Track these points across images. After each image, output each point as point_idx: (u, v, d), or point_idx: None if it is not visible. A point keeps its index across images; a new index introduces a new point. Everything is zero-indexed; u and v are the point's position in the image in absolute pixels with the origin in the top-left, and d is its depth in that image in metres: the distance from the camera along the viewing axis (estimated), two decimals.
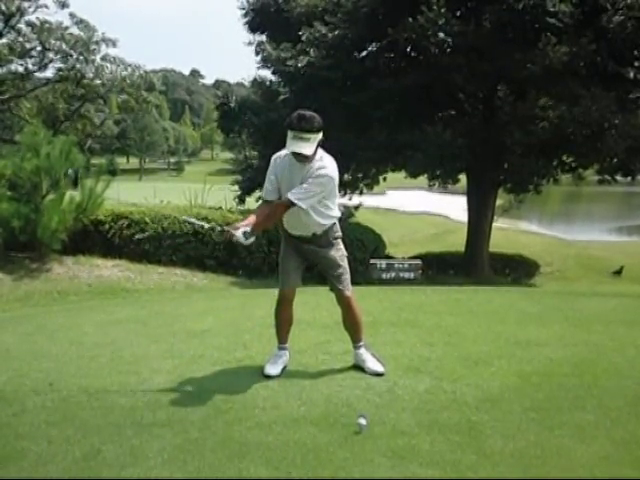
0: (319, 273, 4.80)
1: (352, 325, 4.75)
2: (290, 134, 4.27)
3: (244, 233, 4.32)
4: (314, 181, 4.31)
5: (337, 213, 4.62)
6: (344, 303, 4.67)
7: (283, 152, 4.45)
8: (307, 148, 4.25)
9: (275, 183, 4.49)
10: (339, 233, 4.69)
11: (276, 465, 3.34)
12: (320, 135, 4.30)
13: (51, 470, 3.33)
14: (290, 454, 3.45)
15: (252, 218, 4.46)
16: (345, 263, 4.68)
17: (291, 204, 4.30)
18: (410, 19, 14.28)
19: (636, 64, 15.42)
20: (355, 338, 4.78)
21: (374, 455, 3.44)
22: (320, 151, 4.40)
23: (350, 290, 4.67)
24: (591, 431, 3.74)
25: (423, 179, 20.61)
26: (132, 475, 3.27)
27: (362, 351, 4.76)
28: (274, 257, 12.47)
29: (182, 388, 4.41)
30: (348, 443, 3.57)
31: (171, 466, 3.35)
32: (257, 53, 18.77)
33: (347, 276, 4.66)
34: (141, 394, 4.28)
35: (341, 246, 4.69)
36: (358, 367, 4.73)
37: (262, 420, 3.88)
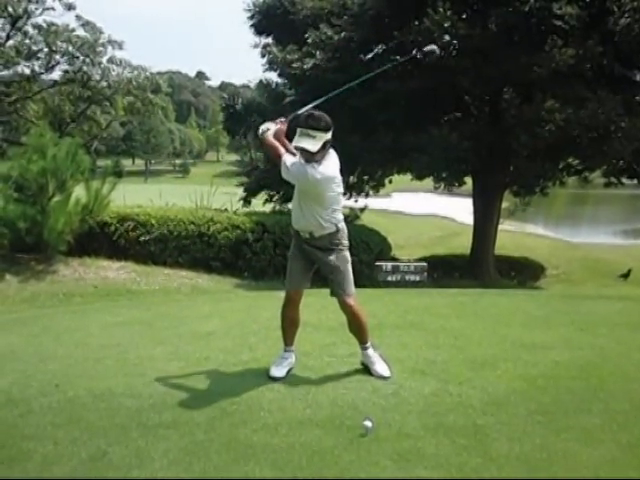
0: (323, 276, 4.81)
1: (356, 328, 4.74)
2: (298, 131, 4.34)
3: (266, 128, 4.64)
4: (297, 169, 4.38)
5: (335, 221, 4.55)
6: (345, 308, 4.66)
7: None
8: (311, 145, 4.28)
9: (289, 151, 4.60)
10: (344, 242, 4.65)
11: (282, 467, 3.35)
12: (327, 135, 4.33)
13: (57, 471, 3.34)
14: (296, 456, 3.45)
15: (273, 139, 4.60)
16: (347, 268, 4.64)
17: (279, 157, 4.47)
18: (416, 22, 14.27)
19: None
20: (361, 340, 4.78)
21: (380, 458, 3.44)
22: (328, 156, 4.43)
23: (351, 295, 4.64)
24: (597, 434, 3.73)
25: (429, 181, 20.60)
26: (138, 477, 3.28)
27: (370, 352, 4.77)
28: (280, 259, 12.48)
29: (188, 390, 4.42)
30: (354, 446, 3.58)
31: (177, 468, 3.36)
32: (263, 55, 18.77)
33: (348, 281, 4.63)
34: (147, 396, 4.29)
35: (345, 252, 4.66)
36: (364, 369, 4.74)
37: (268, 422, 3.89)
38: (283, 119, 4.71)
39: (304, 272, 4.70)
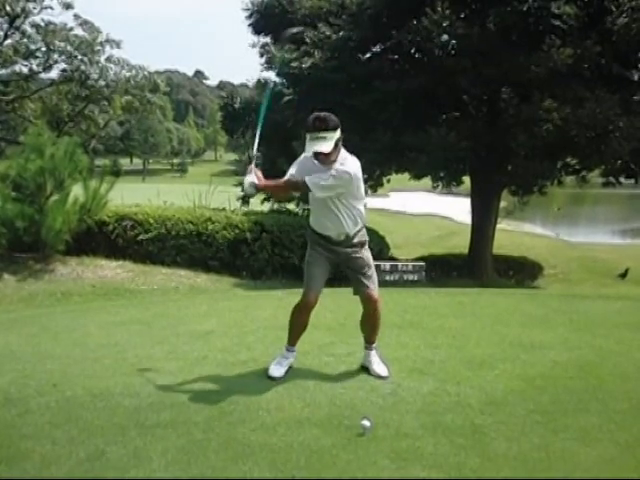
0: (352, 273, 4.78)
1: (371, 326, 4.76)
2: (308, 137, 4.33)
3: (252, 182, 4.41)
4: (335, 176, 4.34)
5: (364, 214, 4.66)
6: (371, 303, 4.66)
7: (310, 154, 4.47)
8: (324, 146, 4.29)
9: (294, 177, 4.49)
10: (367, 238, 4.73)
11: (280, 467, 3.34)
12: (337, 134, 4.34)
13: (55, 471, 3.33)
14: (294, 456, 3.45)
15: (268, 181, 4.52)
16: (373, 264, 4.72)
17: (305, 187, 4.34)
18: (414, 21, 14.27)
19: None
20: (369, 339, 4.80)
21: (378, 457, 3.44)
22: (343, 152, 4.46)
23: (378, 291, 4.68)
24: (595, 434, 3.73)
25: (427, 181, 20.60)
26: (136, 476, 3.28)
27: (373, 352, 4.79)
28: (278, 259, 12.49)
29: (186, 389, 4.41)
30: (352, 445, 3.58)
31: (175, 467, 3.36)
32: (261, 55, 18.79)
33: (375, 277, 4.70)
34: (145, 395, 4.28)
35: (368, 249, 4.75)
36: (363, 368, 4.75)
37: (266, 422, 3.88)
38: (250, 165, 4.50)
39: (324, 277, 4.68)
